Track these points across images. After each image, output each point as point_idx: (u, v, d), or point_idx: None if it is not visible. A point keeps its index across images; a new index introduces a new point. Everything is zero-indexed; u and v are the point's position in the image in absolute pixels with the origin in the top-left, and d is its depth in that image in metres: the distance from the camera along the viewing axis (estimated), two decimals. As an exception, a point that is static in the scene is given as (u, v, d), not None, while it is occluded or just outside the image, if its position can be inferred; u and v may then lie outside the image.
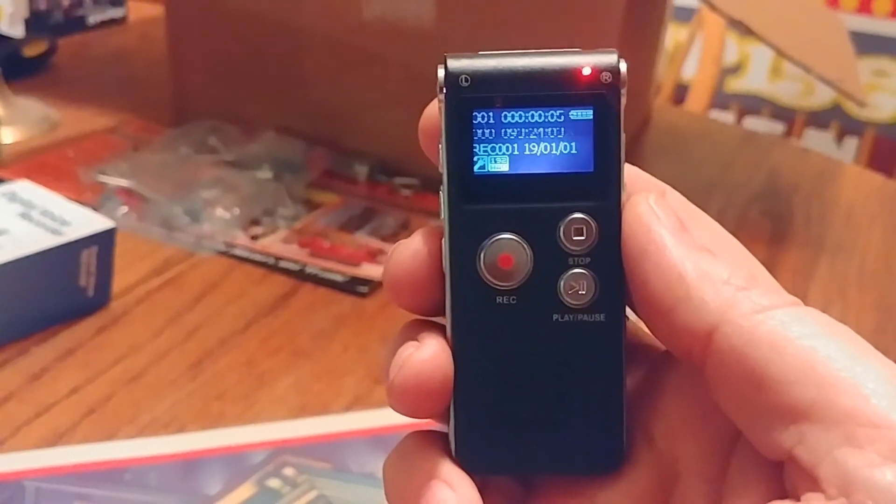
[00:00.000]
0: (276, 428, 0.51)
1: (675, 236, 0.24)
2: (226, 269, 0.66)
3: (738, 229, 0.79)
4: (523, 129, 0.24)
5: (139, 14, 1.13)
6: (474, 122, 0.24)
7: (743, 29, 0.72)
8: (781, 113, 2.09)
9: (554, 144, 0.24)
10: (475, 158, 0.24)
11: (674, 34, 1.80)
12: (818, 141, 2.04)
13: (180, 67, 0.86)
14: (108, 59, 1.04)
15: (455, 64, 0.24)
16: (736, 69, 2.10)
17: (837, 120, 2.06)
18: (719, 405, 0.23)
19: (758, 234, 0.78)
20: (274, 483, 0.47)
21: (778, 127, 2.08)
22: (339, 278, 0.65)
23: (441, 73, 0.24)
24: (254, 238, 0.69)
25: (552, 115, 0.24)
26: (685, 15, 1.73)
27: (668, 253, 0.24)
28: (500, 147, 0.24)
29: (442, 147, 0.24)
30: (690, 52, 1.72)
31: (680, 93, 1.74)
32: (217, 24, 0.83)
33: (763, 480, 0.23)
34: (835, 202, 0.87)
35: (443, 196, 0.25)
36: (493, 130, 0.24)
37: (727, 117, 2.04)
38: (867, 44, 1.89)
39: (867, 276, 0.74)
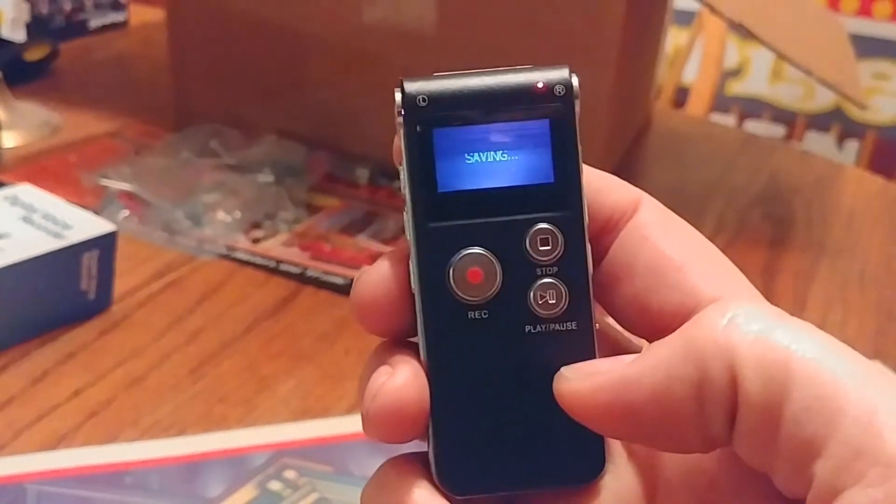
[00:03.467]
0: (277, 431, 0.51)
1: (620, 364, 0.23)
2: (227, 273, 0.66)
3: (739, 233, 0.79)
4: (483, 145, 0.24)
5: (140, 18, 1.13)
6: (434, 140, 0.24)
7: (744, 32, 0.72)
8: (782, 116, 2.09)
9: (514, 158, 0.25)
10: (437, 176, 0.24)
11: (674, 38, 1.80)
12: (819, 144, 2.04)
13: (181, 71, 0.86)
14: (109, 63, 1.04)
15: (412, 86, 0.24)
16: (736, 72, 2.10)
17: (838, 123, 2.06)
18: (744, 458, 0.22)
19: (759, 238, 0.78)
20: (275, 486, 0.47)
21: (779, 130, 2.08)
22: (340, 281, 0.65)
23: (398, 96, 0.24)
24: (255, 241, 0.69)
25: (510, 130, 0.25)
26: (685, 18, 1.73)
27: (650, 375, 0.22)
28: (461, 164, 0.24)
29: (403, 168, 0.25)
30: (691, 56, 1.72)
31: (681, 96, 1.74)
32: (218, 28, 0.84)
33: (753, 494, 0.23)
34: (836, 205, 0.87)
35: (407, 216, 0.25)
36: (453, 148, 0.24)
37: (728, 120, 2.04)
38: (867, 47, 1.89)
39: (868, 280, 0.74)
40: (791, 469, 0.21)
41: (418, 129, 0.24)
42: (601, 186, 0.26)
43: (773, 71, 2.07)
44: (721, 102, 1.96)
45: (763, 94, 2.10)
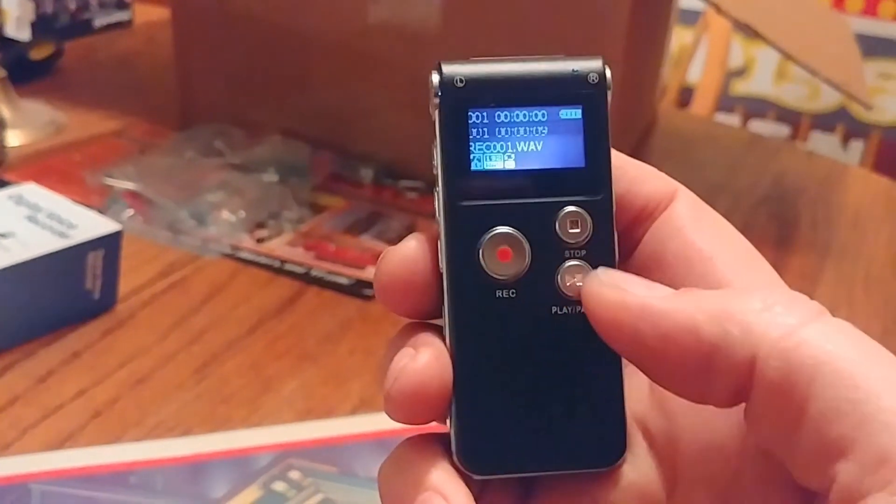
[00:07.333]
0: (281, 431, 0.51)
1: (651, 294, 0.23)
2: (231, 272, 0.66)
3: (744, 233, 0.78)
4: (517, 128, 0.25)
5: (145, 17, 1.13)
6: (469, 121, 0.25)
7: (749, 32, 0.72)
8: (787, 116, 2.08)
9: (546, 142, 0.25)
10: (471, 156, 0.25)
11: (679, 37, 1.79)
12: (824, 144, 2.04)
13: (186, 71, 0.86)
14: (114, 62, 1.04)
15: (449, 68, 0.25)
16: (741, 72, 2.09)
17: (843, 123, 2.05)
18: (757, 439, 0.23)
19: (764, 238, 0.78)
20: (279, 486, 0.47)
21: (783, 130, 2.08)
22: (344, 281, 0.65)
23: (436, 77, 0.25)
24: (259, 241, 0.69)
25: (544, 114, 0.25)
26: (690, 18, 1.73)
27: (671, 317, 0.22)
28: (495, 145, 0.25)
29: (436, 147, 0.25)
30: (696, 55, 1.72)
31: (685, 96, 1.74)
32: (223, 28, 0.84)
33: (776, 492, 0.23)
34: (841, 205, 0.87)
35: (438, 195, 0.25)
36: (487, 129, 0.25)
37: (732, 120, 2.04)
38: (873, 46, 1.89)
39: (874, 280, 0.74)
40: (812, 463, 0.21)
41: (454, 108, 0.25)
42: (637, 175, 0.26)
43: (778, 71, 2.07)
44: (726, 102, 1.95)
45: (768, 94, 2.10)
